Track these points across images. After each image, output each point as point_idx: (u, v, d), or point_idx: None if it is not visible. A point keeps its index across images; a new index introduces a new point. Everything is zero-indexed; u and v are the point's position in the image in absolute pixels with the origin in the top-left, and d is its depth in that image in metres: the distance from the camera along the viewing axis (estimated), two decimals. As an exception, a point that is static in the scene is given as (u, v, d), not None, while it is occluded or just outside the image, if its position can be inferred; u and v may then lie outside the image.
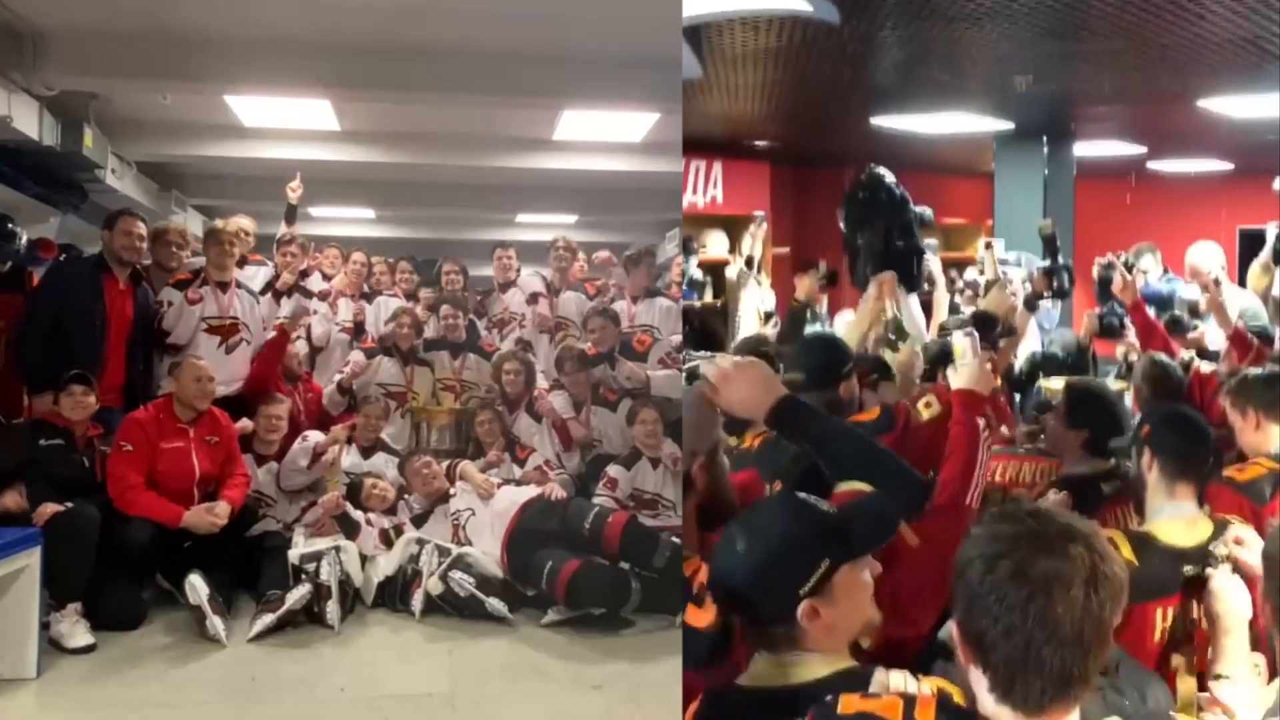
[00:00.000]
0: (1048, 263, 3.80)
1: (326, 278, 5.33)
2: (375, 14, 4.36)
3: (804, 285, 4.48)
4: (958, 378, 2.01)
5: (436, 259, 5.88)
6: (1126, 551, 1.85)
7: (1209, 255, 4.31)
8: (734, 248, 6.39)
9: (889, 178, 3.37)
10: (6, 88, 4.60)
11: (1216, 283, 3.98)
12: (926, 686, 1.24)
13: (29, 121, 4.89)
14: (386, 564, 3.79)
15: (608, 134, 6.22)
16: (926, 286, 3.67)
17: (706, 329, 5.02)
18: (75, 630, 3.21)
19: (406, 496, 4.27)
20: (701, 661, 1.49)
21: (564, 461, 4.53)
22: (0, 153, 5.20)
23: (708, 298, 6.11)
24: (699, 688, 1.39)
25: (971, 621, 1.04)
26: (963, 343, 2.15)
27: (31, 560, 3.01)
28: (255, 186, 7.15)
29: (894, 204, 3.25)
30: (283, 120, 5.96)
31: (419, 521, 4.09)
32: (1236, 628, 1.61)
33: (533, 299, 5.32)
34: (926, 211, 3.34)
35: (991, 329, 2.89)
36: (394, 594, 3.72)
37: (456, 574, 3.62)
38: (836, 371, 2.37)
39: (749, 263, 5.54)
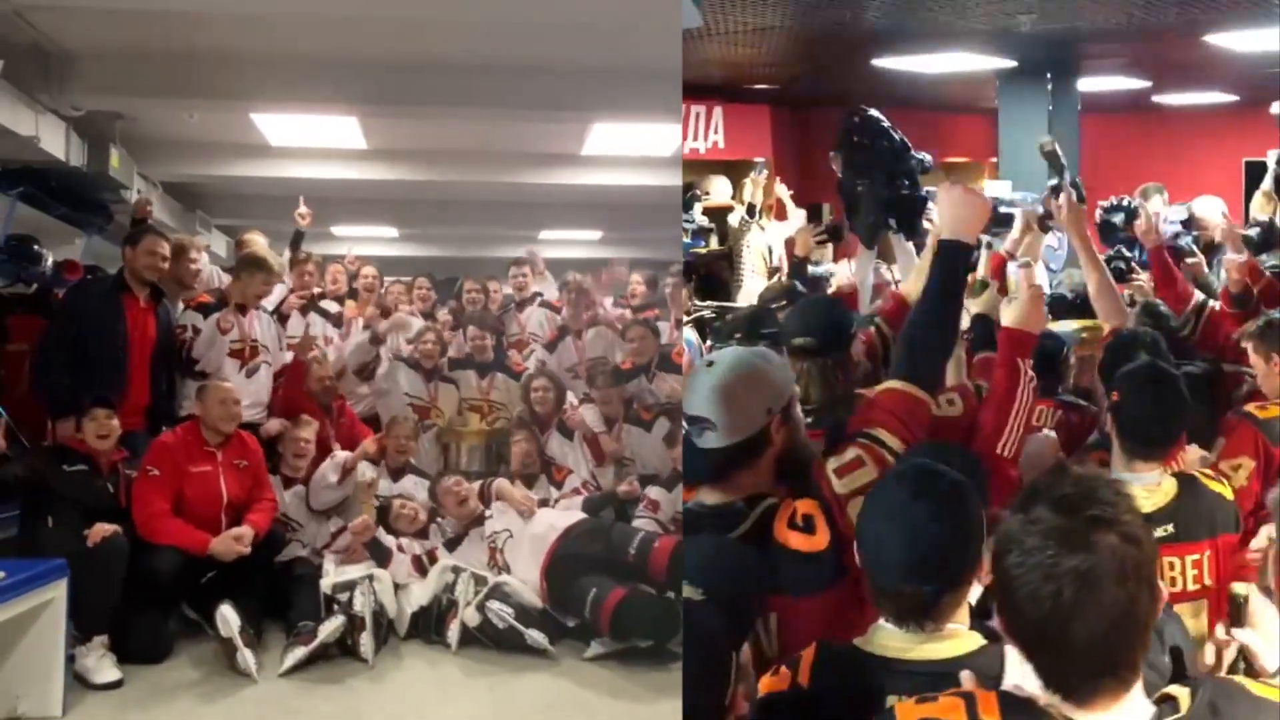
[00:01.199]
0: (1054, 181, 3.65)
1: (340, 299, 5.22)
2: (402, 29, 4.31)
3: (801, 240, 4.25)
4: (1008, 313, 1.93)
5: (457, 277, 5.81)
6: None
7: (1212, 207, 4.33)
8: (736, 194, 6.28)
9: (885, 122, 3.24)
10: (33, 108, 4.57)
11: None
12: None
13: (56, 142, 4.86)
14: (420, 593, 3.66)
15: (638, 148, 6.14)
16: (930, 226, 3.56)
17: (713, 276, 4.93)
18: (102, 665, 3.10)
19: (439, 520, 4.14)
20: (807, 585, 1.55)
21: (599, 480, 4.38)
22: (27, 174, 5.17)
23: (713, 244, 6.02)
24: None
25: (1008, 612, 1.05)
26: (1018, 275, 2.06)
27: (58, 593, 2.90)
28: (280, 206, 7.01)
29: (895, 151, 3.12)
30: (309, 138, 5.94)
31: (452, 545, 3.96)
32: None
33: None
34: (926, 157, 3.22)
35: (990, 332, 2.79)
36: (428, 625, 3.59)
37: (494, 604, 3.49)
38: (845, 332, 2.31)
39: (750, 210, 5.42)
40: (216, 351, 4.13)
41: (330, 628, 3.30)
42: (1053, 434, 2.29)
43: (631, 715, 3.00)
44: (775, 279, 4.55)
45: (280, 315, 4.57)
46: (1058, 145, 3.76)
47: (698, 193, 6.04)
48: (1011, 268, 2.13)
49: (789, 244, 4.34)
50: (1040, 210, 3.45)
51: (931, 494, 1.35)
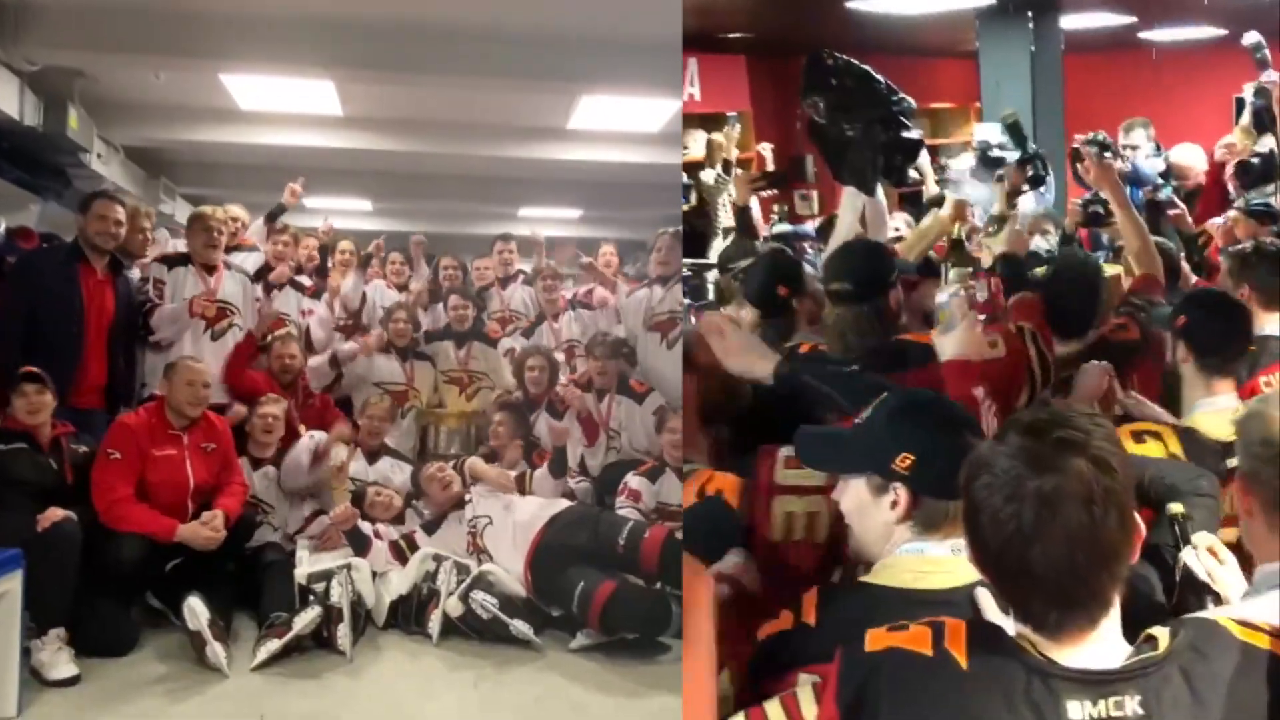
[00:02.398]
0: (1019, 154, 3.64)
1: (312, 273, 5.08)
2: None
3: (740, 190, 4.17)
4: (947, 344, 1.98)
5: (433, 255, 5.67)
6: (1174, 445, 1.87)
7: (1194, 155, 4.32)
8: (710, 149, 6.26)
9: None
10: (-16, 62, 4.31)
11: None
12: None
13: (9, 99, 4.61)
14: (400, 582, 3.56)
15: (626, 123, 6.00)
16: (915, 175, 3.63)
17: (693, 233, 4.98)
18: (58, 660, 2.93)
19: (416, 503, 4.05)
20: None
21: (586, 465, 4.29)
22: (-23, 133, 4.90)
23: (691, 199, 6.02)
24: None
25: (975, 537, 1.04)
26: (949, 305, 2.06)
27: (12, 585, 2.72)
28: (250, 175, 6.89)
29: (886, 91, 3.02)
30: (282, 103, 5.72)
31: (431, 528, 3.87)
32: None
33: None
34: (910, 100, 3.14)
35: (1020, 269, 2.82)
36: (408, 614, 3.49)
37: (478, 594, 3.40)
38: (885, 279, 2.28)
39: (725, 166, 5.33)
40: (178, 329, 3.96)
41: (305, 619, 3.19)
42: (1106, 363, 2.23)
43: (625, 711, 2.92)
44: (731, 239, 4.47)
45: (267, 285, 4.42)
46: (1018, 116, 3.74)
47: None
48: (942, 296, 2.13)
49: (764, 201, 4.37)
50: (1026, 172, 3.47)
51: (935, 396, 1.50)
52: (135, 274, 4.09)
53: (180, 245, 4.43)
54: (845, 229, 3.01)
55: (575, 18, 4.43)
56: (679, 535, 3.60)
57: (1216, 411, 1.96)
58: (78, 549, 3.04)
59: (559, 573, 3.46)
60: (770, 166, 5.56)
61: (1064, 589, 1.00)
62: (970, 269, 3.30)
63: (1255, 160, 4.19)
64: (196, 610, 3.10)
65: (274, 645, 3.12)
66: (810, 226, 4.78)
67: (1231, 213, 3.56)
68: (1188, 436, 1.91)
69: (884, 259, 2.39)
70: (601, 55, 4.79)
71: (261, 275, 4.50)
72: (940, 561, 1.36)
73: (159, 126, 6.00)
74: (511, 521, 3.70)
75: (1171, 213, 4.05)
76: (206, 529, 3.31)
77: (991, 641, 1.05)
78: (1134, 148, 4.48)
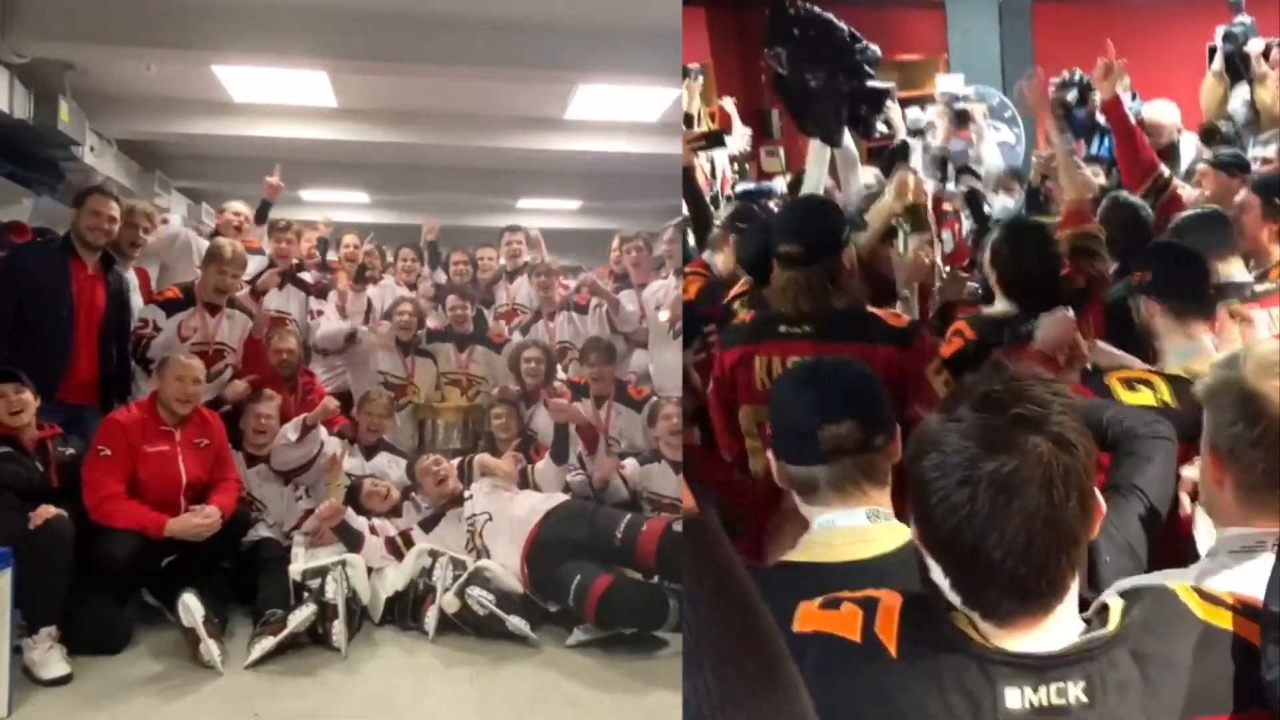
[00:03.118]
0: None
1: (316, 267, 5.05)
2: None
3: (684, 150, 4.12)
4: None
5: (438, 248, 5.65)
6: (1165, 393, 1.87)
7: (1165, 111, 4.22)
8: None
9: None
10: (-27, 54, 4.28)
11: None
12: None
13: (-1, 92, 4.57)
14: (396, 577, 3.55)
15: (624, 113, 5.97)
16: (885, 129, 3.58)
17: None
18: (50, 658, 2.92)
19: (414, 496, 4.04)
20: None
21: (587, 464, 4.25)
22: (-34, 128, 4.87)
23: None
24: None
25: (922, 518, 0.97)
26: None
27: (1, 584, 2.70)
28: (245, 168, 6.83)
29: (849, 40, 2.96)
30: (276, 95, 5.70)
31: (428, 525, 3.85)
32: None
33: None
34: (874, 48, 3.07)
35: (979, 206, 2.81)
36: (404, 610, 3.49)
37: (475, 590, 3.38)
38: (836, 238, 2.20)
39: (688, 120, 5.27)
40: (167, 343, 3.91)
41: (300, 616, 3.17)
42: (1069, 311, 2.19)
43: (623, 707, 2.89)
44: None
45: (255, 292, 4.36)
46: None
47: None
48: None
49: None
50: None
51: (832, 360, 1.45)
52: (133, 277, 4.07)
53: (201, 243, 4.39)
54: (813, 184, 2.94)
55: (571, 4, 4.39)
56: (677, 528, 3.60)
57: (1199, 355, 1.97)
58: (69, 546, 3.02)
59: (555, 567, 3.44)
60: (735, 121, 5.41)
61: (1020, 577, 0.93)
62: (928, 234, 3.26)
63: (1223, 124, 4.16)
64: (191, 607, 3.08)
65: (269, 642, 3.10)
66: (778, 184, 4.65)
67: (1200, 165, 3.47)
68: (1178, 384, 1.89)
69: (832, 216, 2.31)
70: (599, 43, 4.76)
71: (252, 282, 4.43)
72: (859, 531, 1.31)
73: (152, 119, 5.98)
74: (510, 517, 3.68)
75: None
76: (197, 518, 3.30)
77: (926, 624, 0.99)
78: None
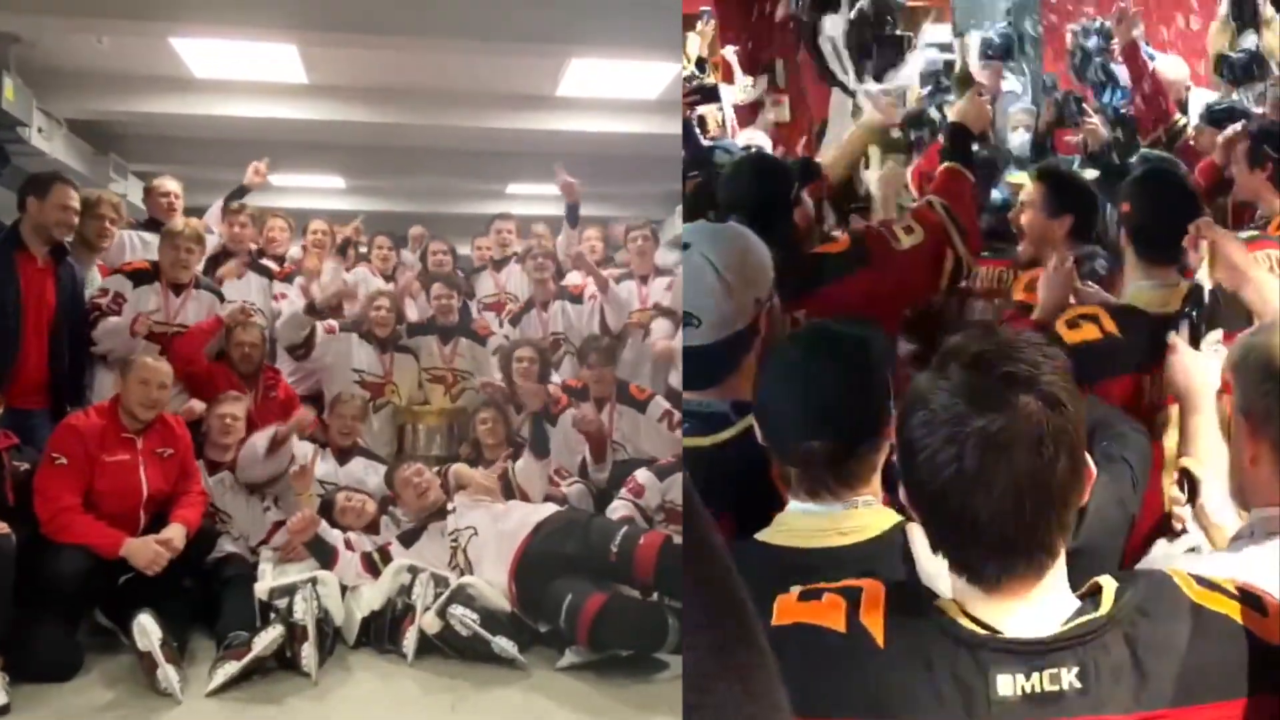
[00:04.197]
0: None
1: (277, 258, 5.07)
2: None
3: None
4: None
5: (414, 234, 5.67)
6: (1109, 324, 1.99)
7: (1174, 67, 4.47)
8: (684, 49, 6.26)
9: None
10: (-92, 27, 4.31)
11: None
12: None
13: (-64, 69, 4.61)
14: (372, 596, 3.56)
15: (620, 89, 5.99)
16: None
17: None
18: (-9, 687, 2.93)
19: (393, 508, 4.06)
20: None
21: (593, 474, 4.29)
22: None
23: None
24: None
25: (910, 478, 1.03)
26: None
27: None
28: (208, 150, 6.91)
29: None
30: (240, 70, 5.74)
31: (408, 540, 3.86)
32: (1202, 404, 1.63)
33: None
34: None
35: (969, 141, 2.79)
36: (381, 632, 3.50)
37: (457, 609, 3.39)
38: (784, 197, 2.26)
39: (700, 65, 5.38)
40: (121, 343, 3.96)
41: (266, 639, 3.17)
42: (1070, 262, 2.31)
43: (617, 738, 2.91)
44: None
45: (217, 280, 4.41)
46: None
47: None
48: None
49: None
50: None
51: (827, 346, 1.43)
52: (96, 276, 4.10)
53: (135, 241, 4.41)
54: (836, 134, 3.16)
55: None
56: (678, 540, 3.61)
57: (1154, 287, 2.11)
58: (12, 565, 3.03)
59: (546, 584, 3.45)
60: (736, 71, 5.62)
61: (1008, 538, 0.98)
62: (903, 156, 3.45)
63: (1238, 55, 4.32)
64: (148, 629, 3.09)
65: (232, 668, 3.11)
66: (745, 139, 4.76)
67: (1196, 124, 3.72)
68: (1123, 313, 2.03)
69: (778, 175, 2.33)
70: (592, 13, 4.78)
71: (215, 262, 4.48)
72: (835, 517, 1.35)
73: (106, 97, 6.02)
74: (497, 530, 3.69)
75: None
76: (155, 545, 3.31)
77: (913, 611, 1.03)
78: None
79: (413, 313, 5.00)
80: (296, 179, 8.26)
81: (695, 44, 5.47)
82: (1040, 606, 1.01)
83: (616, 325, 4.78)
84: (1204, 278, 1.76)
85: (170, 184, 4.65)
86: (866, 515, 1.35)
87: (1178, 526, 1.52)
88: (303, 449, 4.06)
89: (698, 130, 4.46)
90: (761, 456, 1.49)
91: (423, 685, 3.24)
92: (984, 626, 1.01)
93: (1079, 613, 1.00)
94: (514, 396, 4.44)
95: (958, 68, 3.79)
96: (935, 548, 1.04)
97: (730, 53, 5.65)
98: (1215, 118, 3.64)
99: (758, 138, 4.77)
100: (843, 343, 1.43)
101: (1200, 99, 4.38)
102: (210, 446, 3.91)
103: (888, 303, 2.18)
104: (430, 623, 3.36)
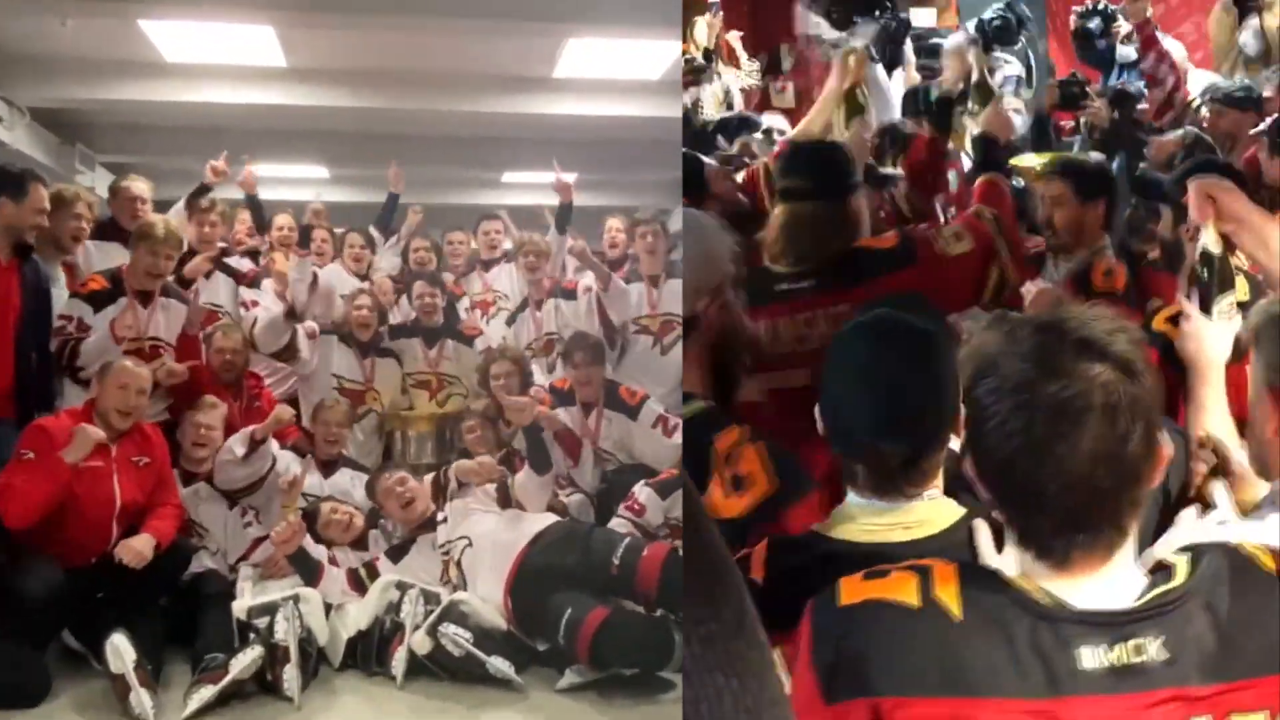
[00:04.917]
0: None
1: (250, 254, 5.08)
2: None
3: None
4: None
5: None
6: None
7: (1172, 50, 4.69)
8: (688, 35, 6.35)
9: None
10: None
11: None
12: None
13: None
14: (358, 615, 3.57)
15: (622, 69, 5.99)
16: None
17: None
18: (-46, 713, 2.96)
19: (382, 521, 4.07)
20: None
21: (576, 479, 4.29)
22: None
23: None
24: None
25: (975, 451, 1.07)
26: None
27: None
28: (181, 139, 6.93)
29: None
30: (214, 54, 5.75)
31: (397, 555, 3.89)
32: (1213, 374, 1.68)
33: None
34: None
35: (996, 155, 2.96)
36: (368, 653, 3.52)
37: (449, 627, 3.41)
38: (846, 181, 2.36)
39: (706, 55, 5.54)
40: (102, 349, 3.93)
41: (245, 661, 3.20)
42: (1048, 285, 2.48)
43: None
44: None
45: (181, 281, 4.38)
46: None
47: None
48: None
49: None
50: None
51: (898, 342, 1.42)
52: (62, 276, 4.10)
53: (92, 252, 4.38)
54: (821, 110, 3.34)
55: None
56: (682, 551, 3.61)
57: None
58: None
59: (543, 599, 3.47)
60: (741, 56, 5.84)
61: (1077, 511, 1.01)
62: (867, 115, 3.60)
63: (1250, 41, 4.58)
64: (121, 650, 3.11)
65: (208, 692, 3.12)
66: (769, 118, 4.93)
67: (1210, 103, 3.93)
68: None
69: (845, 159, 2.44)
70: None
71: (179, 263, 4.43)
72: (897, 512, 1.37)
73: (71, 84, 6.03)
74: (491, 542, 3.71)
75: (1141, 108, 4.46)
76: (138, 546, 3.35)
77: (988, 584, 1.06)
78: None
79: (395, 315, 5.01)
80: (276, 169, 8.26)
81: (704, 33, 5.64)
82: (1110, 583, 1.04)
83: (620, 323, 4.77)
84: (1210, 242, 1.79)
85: (139, 186, 4.58)
86: (930, 510, 1.37)
87: (1213, 499, 1.53)
88: (285, 458, 4.07)
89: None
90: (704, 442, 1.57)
91: (413, 709, 3.25)
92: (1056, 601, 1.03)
93: (1152, 586, 1.03)
94: (500, 411, 4.41)
95: (975, 76, 3.95)
96: (1006, 524, 1.07)
97: (734, 37, 5.79)
98: (1232, 99, 3.84)
99: (778, 121, 4.83)
100: (915, 337, 1.42)
101: (1200, 80, 4.61)
102: (185, 457, 3.92)
103: (946, 295, 2.27)
104: (420, 642, 3.38)
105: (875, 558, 1.29)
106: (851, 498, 1.42)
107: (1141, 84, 4.78)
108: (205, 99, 6.14)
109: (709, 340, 1.78)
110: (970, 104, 3.97)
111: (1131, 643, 1.00)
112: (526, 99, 6.50)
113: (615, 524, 3.86)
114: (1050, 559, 1.04)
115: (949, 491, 1.41)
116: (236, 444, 3.90)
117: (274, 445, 4.03)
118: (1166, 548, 1.21)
